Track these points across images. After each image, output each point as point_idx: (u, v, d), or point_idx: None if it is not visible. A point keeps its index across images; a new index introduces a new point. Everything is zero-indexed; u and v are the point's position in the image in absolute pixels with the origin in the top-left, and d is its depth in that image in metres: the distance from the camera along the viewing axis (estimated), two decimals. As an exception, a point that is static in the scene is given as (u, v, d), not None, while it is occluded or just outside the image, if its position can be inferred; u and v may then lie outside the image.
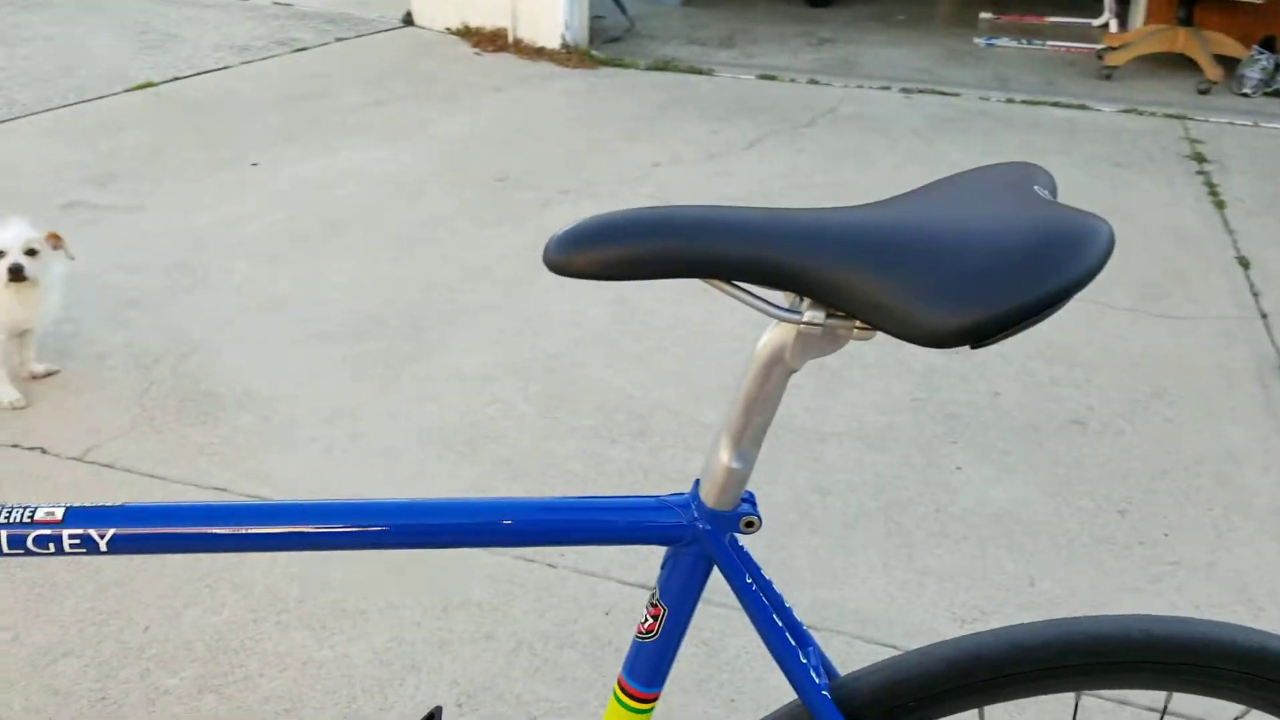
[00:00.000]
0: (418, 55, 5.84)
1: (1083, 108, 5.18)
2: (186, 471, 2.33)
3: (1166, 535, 2.21)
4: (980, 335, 0.66)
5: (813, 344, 0.71)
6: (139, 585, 1.99)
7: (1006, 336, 0.67)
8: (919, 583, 2.06)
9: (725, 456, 0.77)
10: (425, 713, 1.01)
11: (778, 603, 0.85)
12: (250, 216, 3.69)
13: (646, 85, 5.44)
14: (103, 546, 0.73)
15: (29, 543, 0.72)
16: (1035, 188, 0.74)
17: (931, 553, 2.14)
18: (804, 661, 0.81)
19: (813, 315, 0.70)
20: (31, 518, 0.72)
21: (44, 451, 2.39)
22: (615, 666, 1.94)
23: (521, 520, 0.78)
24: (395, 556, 2.04)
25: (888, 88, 5.48)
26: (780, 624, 0.82)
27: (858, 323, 0.68)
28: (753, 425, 0.76)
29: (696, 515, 0.80)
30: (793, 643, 0.82)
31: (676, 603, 0.82)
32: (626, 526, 0.79)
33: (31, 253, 2.48)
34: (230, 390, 2.64)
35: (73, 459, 2.36)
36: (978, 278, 0.65)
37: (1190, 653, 0.79)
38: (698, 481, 0.80)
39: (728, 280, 0.69)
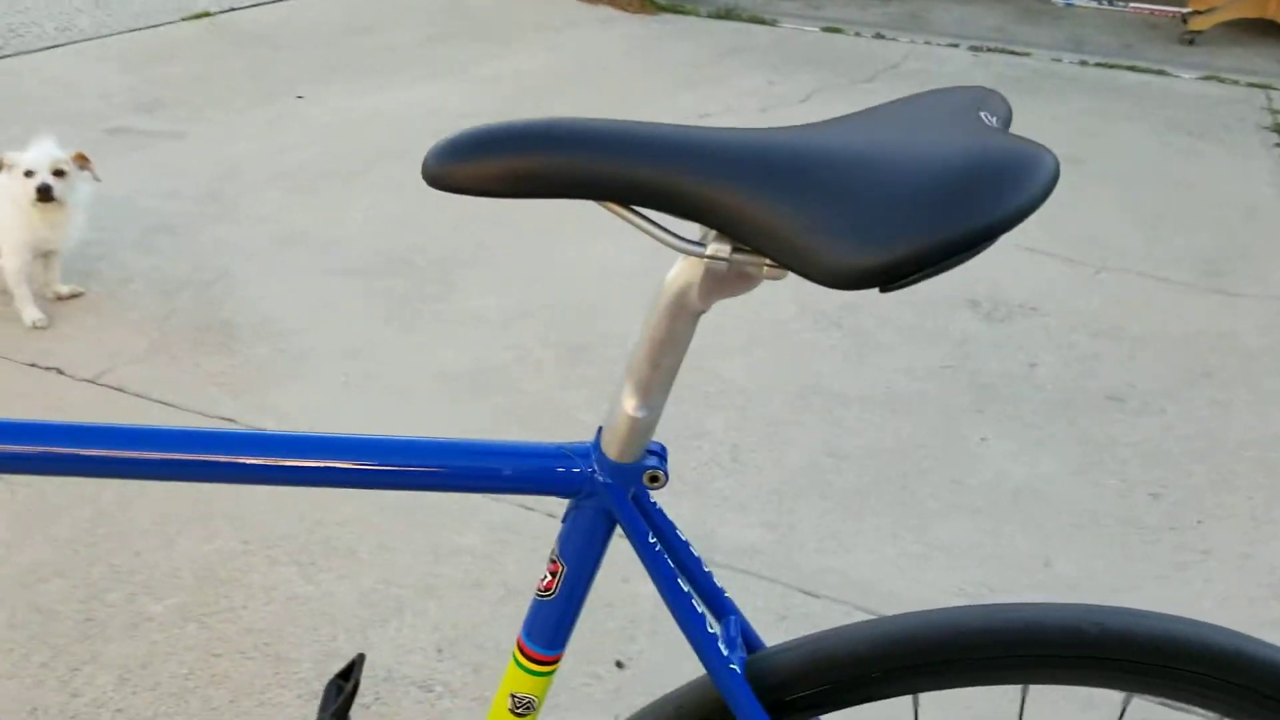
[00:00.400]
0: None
1: (1160, 73, 4.95)
2: (197, 400, 2.31)
3: (1200, 522, 2.10)
4: (888, 277, 0.58)
5: (722, 282, 0.64)
6: (136, 511, 1.98)
7: (923, 278, 0.59)
8: (927, 555, 1.98)
9: (628, 404, 0.70)
10: (347, 662, 0.97)
11: (692, 566, 0.78)
12: (288, 149, 3.66)
13: (706, 33, 5.31)
14: None
15: None
16: (981, 114, 0.66)
17: (944, 525, 2.05)
18: (711, 631, 0.74)
19: (717, 249, 0.62)
20: None
21: (60, 372, 2.39)
22: (606, 620, 1.91)
23: (408, 463, 0.72)
24: (393, 498, 2.00)
25: (956, 45, 5.28)
26: (686, 589, 0.75)
27: (766, 260, 0.61)
28: (658, 371, 0.69)
29: (595, 467, 0.73)
30: (700, 609, 0.75)
31: (576, 560, 0.76)
32: (519, 475, 0.73)
33: (59, 173, 2.47)
34: (249, 321, 2.62)
35: (86, 380, 2.36)
36: (889, 211, 0.57)
37: (1153, 651, 0.71)
38: (600, 430, 0.73)
39: (625, 205, 0.62)
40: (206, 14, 5.04)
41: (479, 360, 2.51)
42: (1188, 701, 0.74)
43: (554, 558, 0.77)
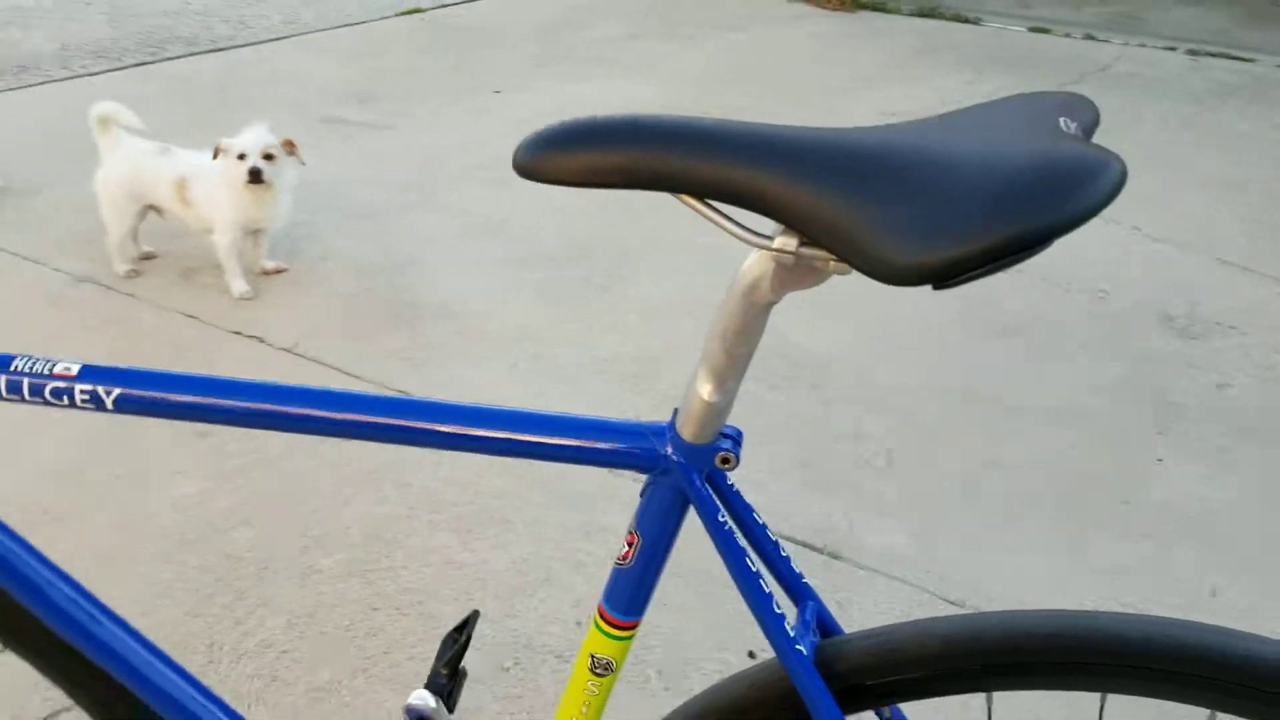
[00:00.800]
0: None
1: (1406, 80, 4.55)
2: (379, 373, 2.46)
3: (1397, 564, 1.95)
4: (937, 275, 0.58)
5: (790, 275, 0.66)
6: (318, 475, 2.13)
7: (975, 278, 0.59)
8: (1084, 575, 1.91)
9: (702, 389, 0.73)
10: (463, 618, 1.03)
11: (769, 549, 0.80)
12: (484, 142, 3.83)
13: (904, 31, 5.22)
14: (109, 404, 0.78)
15: (46, 393, 0.78)
16: (1062, 119, 0.65)
17: (1107, 545, 1.97)
18: (779, 611, 0.76)
19: (784, 242, 0.64)
20: (50, 371, 0.78)
21: (260, 340, 2.59)
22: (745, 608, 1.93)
23: (494, 429, 0.77)
24: (546, 473, 2.09)
25: (1173, 48, 5.00)
26: (755, 569, 0.77)
27: (831, 254, 0.62)
28: (731, 358, 0.72)
29: (670, 447, 0.76)
30: (768, 590, 0.77)
31: (651, 533, 0.79)
32: (597, 450, 0.77)
33: (269, 157, 2.67)
34: (432, 303, 2.76)
35: (283, 349, 2.55)
36: (942, 211, 0.58)
37: (1235, 670, 0.69)
38: (676, 411, 0.76)
39: (700, 198, 0.65)
40: (418, 10, 5.31)
41: (644, 348, 2.57)
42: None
43: (631, 529, 0.80)
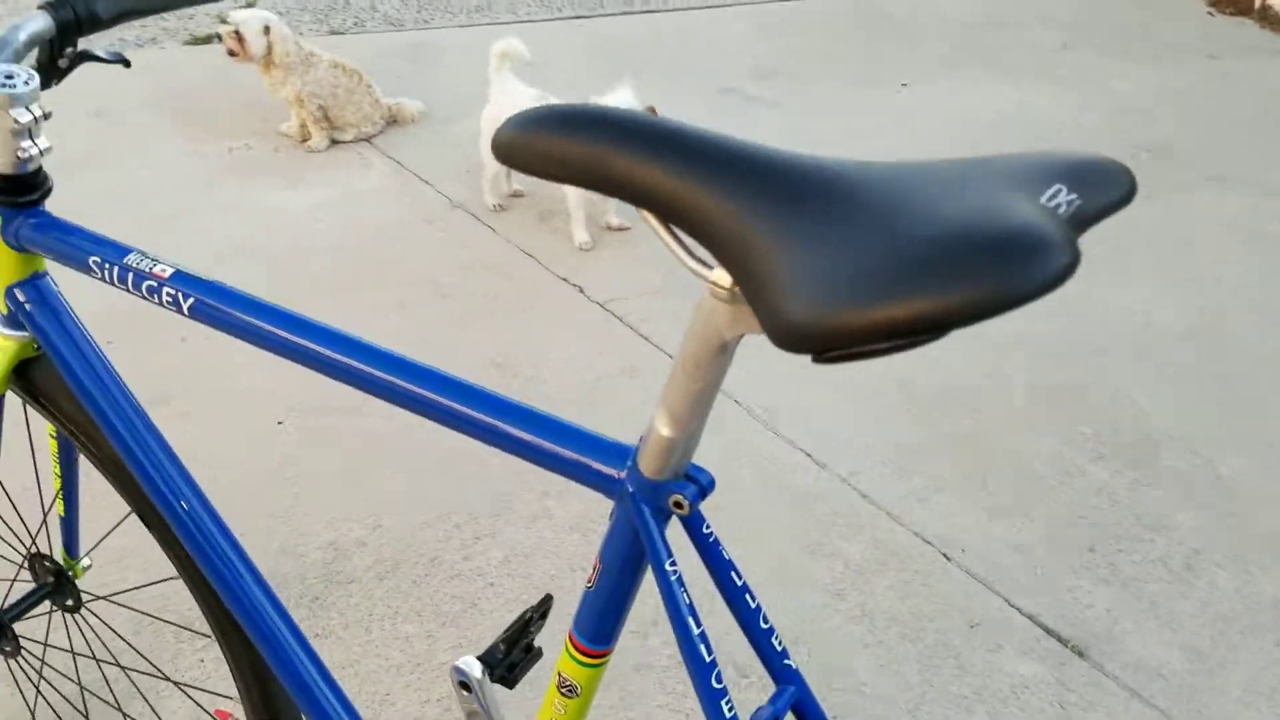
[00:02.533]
0: (1136, 2, 5.31)
1: None
2: (676, 341, 2.48)
3: None
4: (818, 344, 0.47)
5: (741, 312, 0.56)
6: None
7: (865, 356, 0.47)
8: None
9: (659, 422, 0.65)
10: (541, 599, 1.01)
11: (747, 616, 0.71)
12: (869, 132, 3.72)
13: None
14: (185, 310, 0.83)
15: (143, 288, 0.85)
16: (1057, 187, 0.50)
17: None
18: (717, 686, 0.67)
19: (720, 276, 0.55)
20: (150, 270, 0.84)
21: (580, 290, 2.70)
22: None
23: (475, 410, 0.74)
24: (794, 489, 2.01)
25: None
26: (697, 630, 0.68)
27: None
28: (687, 395, 0.63)
29: (628, 474, 0.69)
30: (709, 657, 0.68)
31: (611, 561, 0.72)
32: (562, 457, 0.72)
33: (629, 118, 2.75)
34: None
35: (596, 302, 2.64)
36: (840, 274, 0.46)
37: None
38: (641, 439, 0.68)
39: (662, 220, 0.56)
40: (848, -7, 5.24)
41: (951, 377, 2.39)
42: None
43: (599, 553, 0.74)
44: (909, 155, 2.93)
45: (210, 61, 4.09)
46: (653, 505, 0.69)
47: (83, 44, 0.95)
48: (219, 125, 3.58)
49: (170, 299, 0.84)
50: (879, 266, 0.47)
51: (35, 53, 0.93)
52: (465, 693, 0.97)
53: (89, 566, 1.22)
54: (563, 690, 0.79)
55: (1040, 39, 4.73)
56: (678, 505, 0.68)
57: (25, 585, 1.26)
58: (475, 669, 0.99)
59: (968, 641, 1.73)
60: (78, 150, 3.32)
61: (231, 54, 3.32)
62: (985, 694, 1.64)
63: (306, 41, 3.46)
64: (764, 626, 0.73)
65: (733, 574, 0.71)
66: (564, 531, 1.92)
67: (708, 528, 0.71)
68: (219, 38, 3.79)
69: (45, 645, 1.34)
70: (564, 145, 0.57)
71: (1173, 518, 2.01)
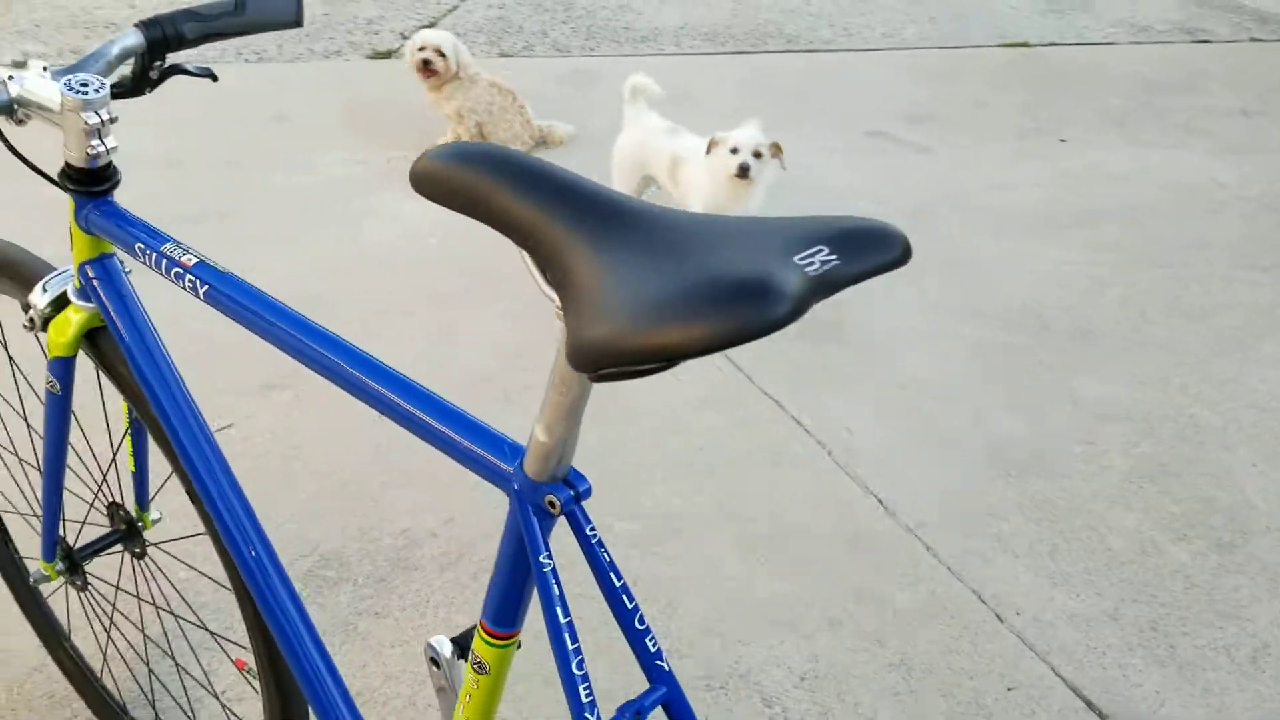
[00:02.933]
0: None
1: None
2: (766, 377, 2.52)
3: None
4: (589, 364, 0.58)
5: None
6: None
7: (623, 378, 0.58)
8: None
9: (537, 425, 0.73)
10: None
11: (625, 617, 0.76)
12: (1014, 185, 3.66)
13: None
14: (200, 295, 0.96)
15: (171, 273, 0.98)
16: (816, 249, 0.56)
17: None
18: (578, 672, 0.73)
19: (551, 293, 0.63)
20: (180, 258, 0.97)
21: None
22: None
23: (387, 389, 0.83)
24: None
25: None
26: (564, 620, 0.74)
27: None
28: (556, 406, 0.70)
29: (515, 472, 0.76)
30: (572, 646, 0.74)
31: (505, 551, 0.80)
32: (459, 445, 0.79)
33: (757, 155, 2.82)
34: (852, 327, 2.75)
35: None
36: (602, 308, 0.55)
37: None
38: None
39: (521, 245, 0.64)
40: (1025, 44, 5.15)
41: (1045, 441, 2.35)
42: None
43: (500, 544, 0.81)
44: (1051, 211, 2.95)
45: (384, 75, 4.37)
46: (533, 503, 0.76)
47: (173, 59, 1.10)
48: (382, 135, 3.83)
49: (190, 284, 0.96)
50: (647, 302, 0.56)
51: (130, 64, 1.08)
52: (435, 668, 1.06)
53: (158, 519, 1.37)
54: (475, 668, 0.87)
55: (1217, 103, 4.54)
56: (551, 505, 0.75)
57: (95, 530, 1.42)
58: (446, 648, 1.08)
59: (1002, 704, 1.71)
60: (253, 149, 3.62)
61: (426, 67, 3.52)
62: (1009, 758, 1.62)
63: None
64: (639, 627, 0.78)
65: (612, 575, 0.78)
66: (622, 547, 2.00)
67: (592, 529, 0.77)
68: (401, 53, 4.04)
69: (116, 588, 1.50)
70: (455, 177, 0.66)
71: (1249, 609, 1.93)
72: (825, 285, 0.60)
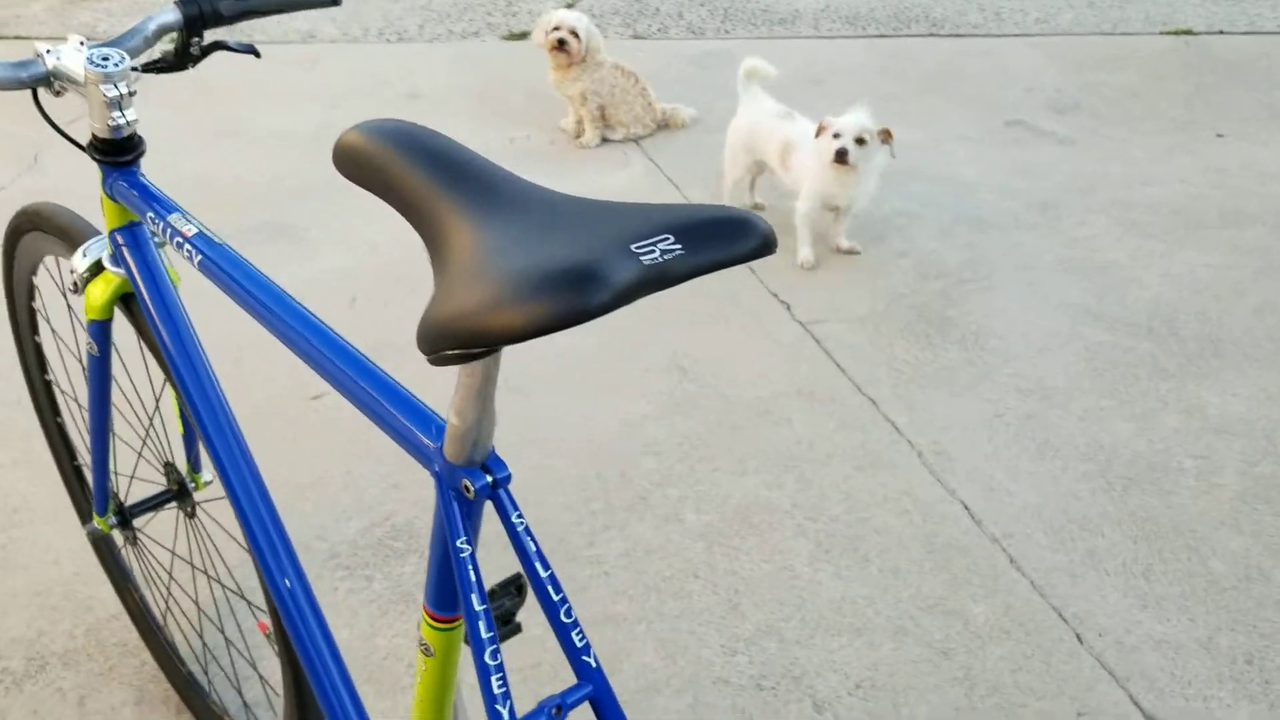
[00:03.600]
0: None
1: None
2: (868, 378, 2.45)
3: None
4: (425, 345, 0.59)
5: None
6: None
7: (452, 362, 0.60)
8: None
9: (450, 409, 0.71)
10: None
11: (551, 609, 0.74)
12: (1160, 179, 3.45)
13: None
14: (195, 264, 0.98)
15: (174, 240, 1.01)
16: (660, 236, 0.54)
17: None
18: (490, 662, 0.71)
19: None
20: (181, 228, 1.00)
21: (787, 307, 2.72)
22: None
23: (333, 356, 0.83)
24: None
25: None
26: (479, 608, 0.72)
27: None
28: (464, 389, 0.69)
29: (435, 450, 0.74)
30: (486, 635, 0.72)
31: (437, 530, 0.78)
32: (392, 419, 0.78)
33: (861, 141, 2.74)
34: (966, 326, 2.64)
35: (799, 322, 2.65)
36: (461, 293, 0.58)
37: None
38: None
39: (416, 229, 0.63)
40: (1189, 31, 4.84)
41: (1155, 454, 2.21)
42: None
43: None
44: (1195, 209, 2.78)
45: (517, 56, 4.42)
46: (452, 486, 0.75)
47: (218, 35, 1.13)
48: (508, 114, 3.88)
49: (189, 252, 0.99)
50: (478, 287, 0.56)
51: (172, 40, 1.12)
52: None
53: (210, 481, 1.42)
54: (422, 649, 0.86)
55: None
56: (466, 489, 0.73)
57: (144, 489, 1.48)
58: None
59: (1069, 730, 1.62)
60: (383, 127, 3.72)
61: (560, 46, 3.53)
62: (1070, 788, 1.54)
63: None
64: (565, 620, 0.76)
65: (538, 565, 0.76)
66: (691, 538, 1.97)
67: (519, 517, 0.75)
68: (533, 34, 4.07)
69: (173, 553, 1.57)
70: (363, 154, 0.66)
71: (1366, 649, 1.77)
72: (663, 275, 0.58)
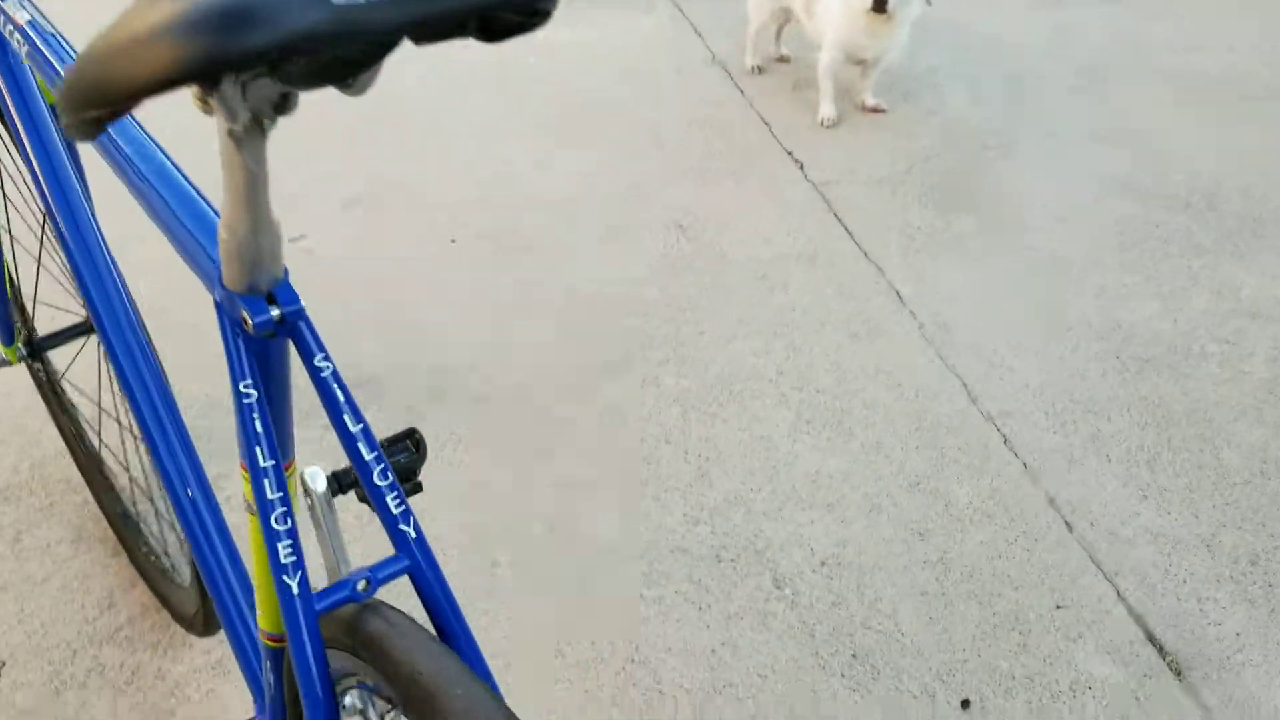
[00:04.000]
0: None
1: None
2: (875, 235, 2.29)
3: None
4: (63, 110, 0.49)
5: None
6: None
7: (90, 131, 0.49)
8: None
9: (220, 222, 0.58)
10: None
11: (363, 469, 0.63)
12: (1214, 48, 3.18)
13: None
14: (24, 55, 0.87)
15: (6, 28, 0.89)
16: None
17: None
18: (276, 527, 0.61)
19: None
20: (13, 14, 0.88)
21: (800, 166, 2.54)
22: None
23: (156, 181, 0.71)
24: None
25: None
26: (266, 464, 0.61)
27: None
28: (227, 189, 0.56)
29: (218, 274, 0.62)
30: (271, 495, 0.61)
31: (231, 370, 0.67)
32: (185, 237, 0.66)
33: (902, -11, 2.52)
34: (985, 196, 2.46)
35: (811, 182, 2.48)
36: None
37: None
38: None
39: None
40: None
41: (1178, 334, 2.05)
42: None
43: None
44: (1244, 79, 2.60)
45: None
46: (231, 317, 0.63)
47: None
48: None
49: (18, 43, 0.87)
50: (129, 24, 0.45)
51: None
52: (306, 499, 0.98)
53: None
54: (247, 509, 0.76)
55: None
56: (244, 322, 0.61)
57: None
58: (320, 481, 0.99)
59: (1045, 621, 1.52)
60: None
61: None
62: (1038, 680, 1.44)
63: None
64: (379, 483, 0.65)
65: (347, 417, 0.64)
66: (667, 402, 1.86)
67: (325, 359, 0.63)
68: None
69: (75, 387, 1.48)
70: None
71: (1382, 556, 1.63)
72: (363, 25, 0.43)
